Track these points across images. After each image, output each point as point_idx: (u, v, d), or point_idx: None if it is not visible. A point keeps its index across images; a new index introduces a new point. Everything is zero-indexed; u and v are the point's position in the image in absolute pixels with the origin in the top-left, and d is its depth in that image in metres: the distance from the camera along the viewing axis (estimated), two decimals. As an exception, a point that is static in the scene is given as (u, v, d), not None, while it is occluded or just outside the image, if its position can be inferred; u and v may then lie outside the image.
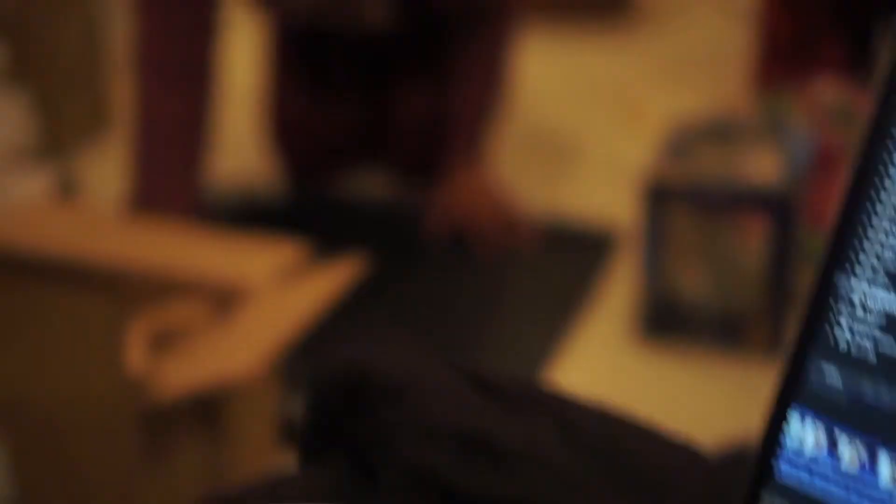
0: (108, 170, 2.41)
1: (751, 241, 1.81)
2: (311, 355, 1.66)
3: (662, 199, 1.80)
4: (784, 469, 0.56)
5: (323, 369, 0.61)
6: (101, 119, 2.59)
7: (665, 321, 1.86)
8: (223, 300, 1.29)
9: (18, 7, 2.28)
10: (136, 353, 1.26)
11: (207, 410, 1.23)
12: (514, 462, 0.55)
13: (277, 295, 1.28)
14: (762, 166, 1.92)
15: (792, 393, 0.57)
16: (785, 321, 1.82)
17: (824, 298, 0.47)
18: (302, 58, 2.35)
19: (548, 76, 2.85)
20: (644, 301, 1.85)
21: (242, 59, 2.40)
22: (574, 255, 2.10)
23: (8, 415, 1.20)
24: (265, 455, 1.38)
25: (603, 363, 1.86)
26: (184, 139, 2.00)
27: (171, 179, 1.96)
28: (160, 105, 2.00)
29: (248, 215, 2.22)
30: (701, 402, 1.76)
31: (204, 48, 2.04)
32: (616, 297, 1.98)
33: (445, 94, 2.25)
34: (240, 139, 2.49)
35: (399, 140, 2.34)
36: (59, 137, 2.46)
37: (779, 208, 1.75)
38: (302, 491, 0.57)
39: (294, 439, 1.58)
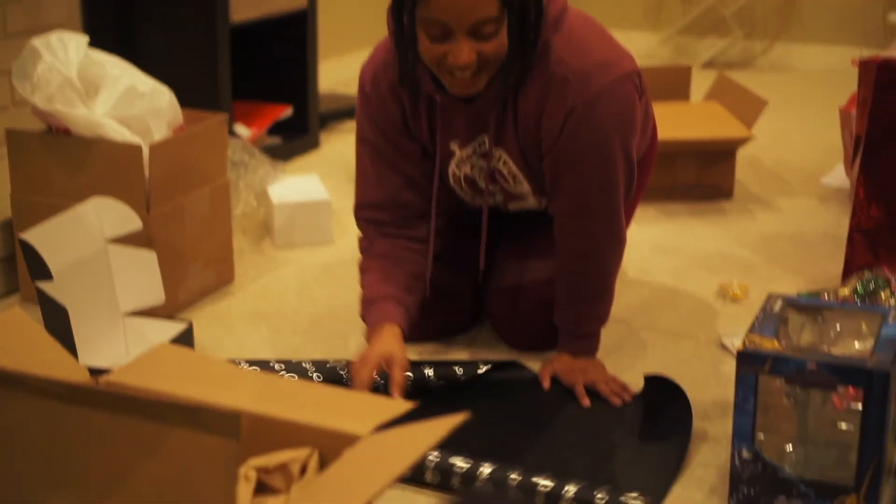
0: (221, 329, 2.51)
1: (845, 415, 1.82)
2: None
3: (757, 370, 1.82)
4: None
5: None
6: (222, 280, 2.71)
7: (758, 490, 1.86)
8: (331, 449, 1.34)
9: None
10: (244, 492, 1.31)
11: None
12: None
13: (380, 442, 1.33)
14: (857, 342, 1.94)
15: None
16: (879, 494, 1.81)
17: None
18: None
19: (652, 250, 2.92)
20: (737, 469, 1.86)
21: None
22: (667, 419, 2.12)
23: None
24: None
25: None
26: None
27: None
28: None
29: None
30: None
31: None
32: (709, 465, 1.99)
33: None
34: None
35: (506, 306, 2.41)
36: (181, 297, 2.58)
37: (874, 383, 1.76)
38: None
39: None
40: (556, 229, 2.23)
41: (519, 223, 2.38)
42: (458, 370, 2.24)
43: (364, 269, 2.27)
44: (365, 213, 2.27)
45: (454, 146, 2.20)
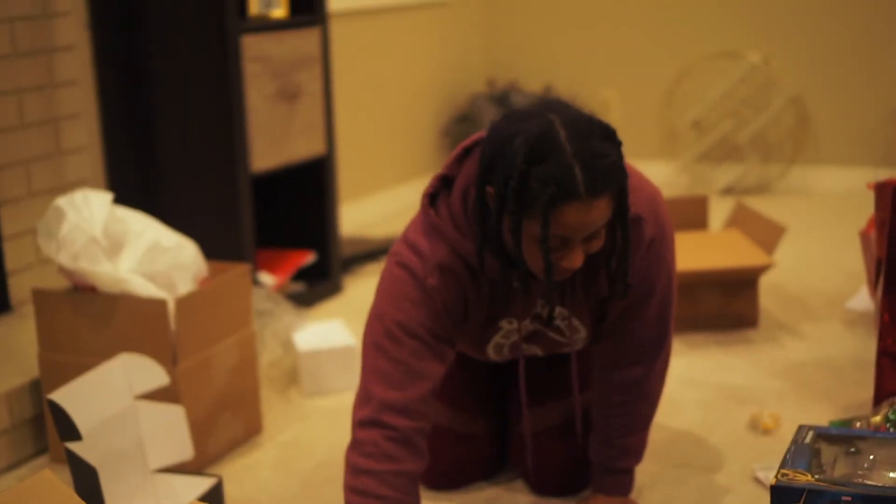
0: (251, 482, 2.49)
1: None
2: None
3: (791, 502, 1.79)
4: None
5: None
6: (251, 431, 2.70)
7: None
8: None
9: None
10: None
11: None
12: None
13: None
14: (892, 472, 1.91)
15: None
16: None
17: None
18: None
19: (679, 383, 2.90)
20: None
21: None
22: None
23: None
24: None
25: None
26: None
27: None
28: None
29: None
30: None
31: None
32: None
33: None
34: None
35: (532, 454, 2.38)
36: (210, 450, 2.57)
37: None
38: None
39: None
40: (604, 364, 2.21)
41: (530, 367, 2.37)
42: None
43: None
44: (385, 416, 1.99)
45: (504, 322, 2.14)
